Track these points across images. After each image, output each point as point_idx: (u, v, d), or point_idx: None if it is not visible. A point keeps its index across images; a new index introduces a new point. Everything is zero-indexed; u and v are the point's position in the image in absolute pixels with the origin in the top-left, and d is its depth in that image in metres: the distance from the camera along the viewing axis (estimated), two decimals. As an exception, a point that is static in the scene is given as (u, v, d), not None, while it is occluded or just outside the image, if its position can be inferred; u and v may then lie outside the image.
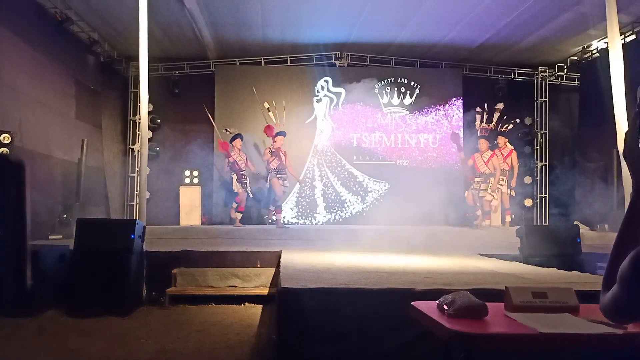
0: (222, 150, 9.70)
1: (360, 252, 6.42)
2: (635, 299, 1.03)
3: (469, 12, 9.20)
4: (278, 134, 9.56)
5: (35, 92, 8.13)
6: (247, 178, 9.63)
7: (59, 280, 5.43)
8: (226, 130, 10.20)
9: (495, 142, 9.90)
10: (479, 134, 10.11)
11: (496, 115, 10.33)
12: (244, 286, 5.92)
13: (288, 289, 3.31)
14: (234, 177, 9.47)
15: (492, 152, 9.57)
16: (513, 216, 10.27)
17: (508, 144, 9.93)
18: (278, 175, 9.32)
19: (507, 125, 10.35)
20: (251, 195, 9.75)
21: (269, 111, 10.43)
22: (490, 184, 9.40)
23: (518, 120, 10.65)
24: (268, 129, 9.96)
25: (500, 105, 10.41)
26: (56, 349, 4.10)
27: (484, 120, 10.20)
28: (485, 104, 10.52)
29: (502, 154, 9.74)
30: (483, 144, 9.65)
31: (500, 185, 9.57)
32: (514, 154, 9.83)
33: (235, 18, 9.58)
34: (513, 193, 9.88)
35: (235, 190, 9.49)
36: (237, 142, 9.64)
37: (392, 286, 3.46)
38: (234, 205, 9.62)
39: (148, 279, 5.86)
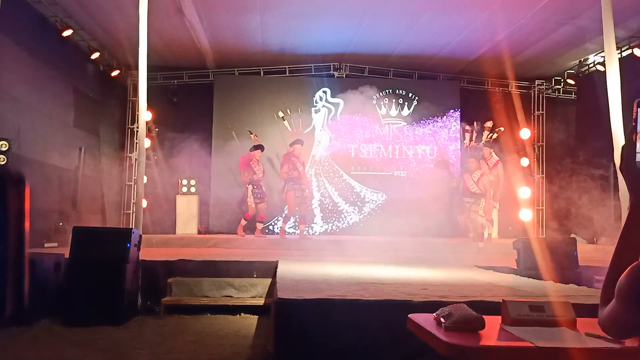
0: (243, 167, 9.57)
1: (357, 262, 6.40)
2: (633, 314, 1.03)
3: (467, 25, 9.27)
4: (295, 142, 9.49)
5: (34, 100, 8.14)
6: (264, 189, 9.62)
7: (54, 289, 5.40)
8: (250, 132, 10.20)
9: (481, 153, 9.64)
10: (469, 153, 9.96)
11: (485, 133, 10.14)
12: (239, 296, 5.89)
13: (284, 300, 3.29)
14: (250, 188, 9.33)
15: (482, 172, 9.19)
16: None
17: (494, 154, 9.63)
18: (295, 186, 9.16)
19: (490, 135, 10.09)
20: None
21: (284, 120, 10.46)
22: (481, 205, 9.03)
23: (502, 129, 10.32)
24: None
25: (489, 124, 10.21)
26: (51, 359, 4.07)
27: (473, 138, 10.01)
28: (475, 122, 10.48)
29: (487, 164, 9.42)
30: (472, 163, 9.29)
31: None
32: (500, 165, 9.53)
33: (234, 28, 9.63)
34: (497, 205, 9.64)
35: (249, 203, 9.36)
36: (257, 153, 9.54)
37: (389, 298, 3.45)
38: (243, 222, 9.52)
39: (143, 288, 5.83)
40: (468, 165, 9.37)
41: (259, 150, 9.58)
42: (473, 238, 9.11)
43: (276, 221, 10.94)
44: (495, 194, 9.28)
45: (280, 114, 10.60)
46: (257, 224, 9.54)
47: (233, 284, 5.94)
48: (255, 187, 9.40)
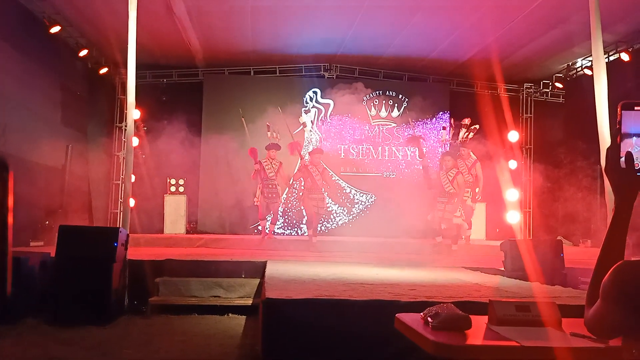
0: (251, 154, 9.18)
1: (345, 263, 6.41)
2: (617, 314, 1.04)
3: (457, 28, 9.33)
4: (315, 151, 9.20)
5: (21, 97, 8.06)
6: (278, 187, 9.18)
7: (40, 288, 5.34)
8: (268, 128, 9.48)
9: (459, 153, 9.19)
10: (443, 150, 9.54)
11: (463, 130, 9.70)
12: (227, 296, 5.87)
13: (273, 300, 3.29)
14: (259, 188, 9.03)
15: (457, 171, 8.71)
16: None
17: (472, 154, 9.21)
18: (311, 196, 8.84)
19: (467, 133, 9.52)
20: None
21: (268, 131, 9.47)
22: (454, 205, 8.58)
23: (478, 126, 9.72)
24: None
25: (467, 121, 9.70)
26: (36, 358, 4.02)
27: (449, 135, 9.56)
28: (452, 119, 10.35)
29: (466, 165, 8.99)
30: (448, 160, 8.75)
31: (465, 197, 8.83)
32: (479, 164, 9.10)
33: (225, 27, 9.60)
34: (475, 207, 9.26)
35: (256, 203, 9.10)
36: (272, 152, 9.09)
37: (377, 298, 3.46)
38: (263, 224, 9.23)
39: (130, 288, 5.79)
40: (444, 163, 8.85)
41: (274, 150, 9.11)
42: (441, 241, 8.73)
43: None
44: (474, 195, 8.92)
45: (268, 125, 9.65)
46: (270, 225, 9.22)
47: (221, 284, 5.91)
48: (266, 186, 8.98)
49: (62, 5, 8.70)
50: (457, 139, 9.57)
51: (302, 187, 9.10)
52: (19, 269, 5.16)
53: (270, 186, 9.00)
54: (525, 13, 8.51)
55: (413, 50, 10.51)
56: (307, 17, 9.16)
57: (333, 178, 11.27)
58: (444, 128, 9.84)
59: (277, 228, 10.94)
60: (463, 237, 8.96)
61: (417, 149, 9.43)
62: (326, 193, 9.23)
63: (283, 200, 10.59)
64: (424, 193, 10.34)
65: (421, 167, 9.45)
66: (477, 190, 9.14)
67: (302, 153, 9.82)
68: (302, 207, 9.24)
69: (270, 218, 9.27)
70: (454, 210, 8.53)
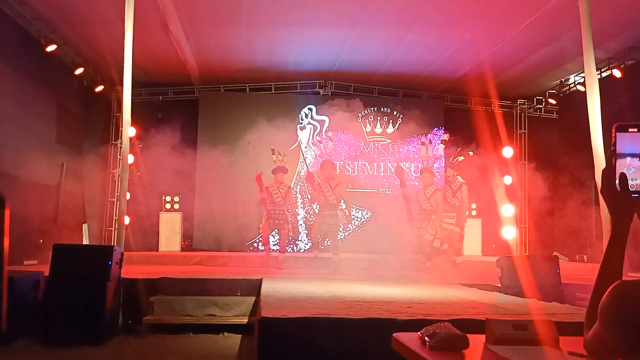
0: (257, 182, 8.66)
1: (341, 280, 6.37)
2: (615, 335, 1.03)
3: (451, 45, 9.42)
4: (324, 163, 8.75)
5: (16, 114, 8.05)
6: (287, 212, 8.56)
7: (33, 308, 5.29)
8: (273, 152, 8.90)
9: (443, 174, 8.91)
10: (420, 166, 9.23)
11: (441, 146, 9.50)
12: (223, 315, 5.81)
13: (268, 319, 3.26)
14: (264, 214, 8.58)
15: (435, 188, 8.42)
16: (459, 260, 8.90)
17: (458, 177, 8.82)
18: (325, 212, 8.42)
19: (456, 158, 9.20)
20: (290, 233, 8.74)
21: (273, 154, 8.91)
22: (430, 222, 8.17)
23: (472, 153, 9.41)
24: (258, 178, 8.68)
25: (446, 136, 9.60)
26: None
27: (427, 151, 9.27)
28: (430, 134, 10.30)
29: (451, 188, 8.66)
30: (427, 177, 8.43)
31: (448, 223, 8.47)
32: (464, 187, 8.66)
33: (220, 44, 9.66)
34: (463, 233, 8.86)
35: (260, 232, 8.74)
36: (279, 175, 8.60)
37: (374, 316, 3.44)
38: (267, 248, 8.88)
39: (125, 307, 5.73)
40: (422, 179, 8.56)
41: (281, 173, 8.62)
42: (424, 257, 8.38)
43: (261, 238, 10.89)
44: (459, 219, 8.57)
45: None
46: (279, 253, 8.61)
47: (216, 303, 5.86)
48: (273, 212, 8.45)
49: (59, 24, 8.74)
50: (437, 153, 9.40)
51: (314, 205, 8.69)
52: (12, 288, 5.11)
53: (277, 212, 8.46)
54: (518, 30, 8.61)
55: (407, 67, 10.59)
56: (303, 34, 9.23)
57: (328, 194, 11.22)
58: (422, 144, 9.51)
59: (273, 244, 10.89)
60: (454, 257, 8.59)
61: (399, 180, 8.98)
62: (342, 207, 8.52)
63: (293, 226, 9.70)
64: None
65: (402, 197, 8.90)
66: (465, 213, 8.80)
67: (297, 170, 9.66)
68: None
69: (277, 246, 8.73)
70: (429, 228, 8.14)
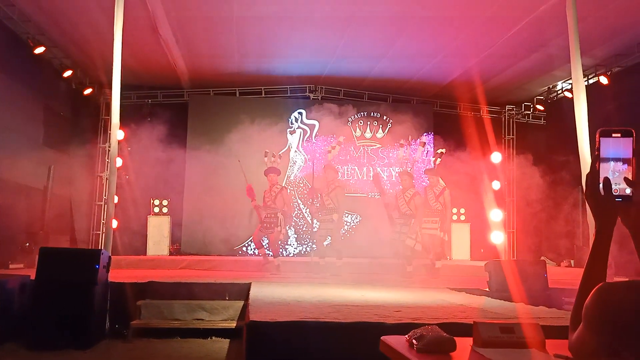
0: (248, 194, 8.43)
1: (330, 284, 6.37)
2: (599, 337, 1.04)
3: (440, 51, 9.49)
4: (327, 167, 8.58)
5: (3, 117, 7.98)
6: (279, 215, 8.20)
7: (19, 312, 5.23)
8: (265, 154, 8.75)
9: (429, 179, 8.64)
10: (398, 169, 9.06)
11: (420, 149, 9.35)
12: (211, 319, 5.78)
13: (257, 323, 3.25)
14: (258, 221, 8.32)
15: (414, 191, 8.27)
16: (445, 260, 8.88)
17: (441, 181, 8.57)
18: (322, 216, 8.35)
19: (435, 159, 8.85)
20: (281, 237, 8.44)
21: (265, 156, 8.78)
22: (410, 227, 8.03)
23: (444, 150, 9.12)
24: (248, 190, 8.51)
25: (424, 138, 9.44)
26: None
27: (407, 153, 9.09)
28: (409, 136, 10.20)
29: (434, 192, 8.39)
30: (405, 180, 8.27)
31: (431, 228, 8.26)
32: (447, 192, 8.43)
33: (210, 48, 9.65)
34: (446, 237, 8.64)
35: (254, 239, 8.48)
36: (272, 176, 8.29)
37: (363, 320, 3.44)
38: (263, 252, 8.58)
39: (112, 311, 5.68)
40: (401, 182, 8.38)
41: (274, 174, 8.33)
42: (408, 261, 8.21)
43: (250, 242, 10.86)
44: (442, 224, 8.34)
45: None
46: (271, 258, 8.33)
47: (204, 307, 5.83)
48: (265, 217, 8.22)
49: (47, 27, 8.69)
50: (415, 155, 9.26)
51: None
52: (-3, 292, 5.06)
53: (268, 216, 8.22)
54: (506, 37, 8.70)
55: (397, 72, 10.65)
56: (293, 39, 9.25)
57: (318, 198, 11.20)
58: (401, 145, 9.26)
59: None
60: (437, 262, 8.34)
61: (378, 189, 8.87)
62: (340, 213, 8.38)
63: (288, 228, 9.69)
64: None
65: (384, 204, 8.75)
66: (449, 217, 8.56)
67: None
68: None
69: (269, 251, 8.54)
70: (409, 232, 8.03)
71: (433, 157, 8.84)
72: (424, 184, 9.61)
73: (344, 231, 11.20)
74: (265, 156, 8.71)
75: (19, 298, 5.32)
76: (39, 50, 8.72)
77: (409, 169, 8.66)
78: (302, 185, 11.37)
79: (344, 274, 7.95)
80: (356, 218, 11.35)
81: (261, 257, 8.53)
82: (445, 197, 8.37)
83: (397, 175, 10.90)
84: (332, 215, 8.26)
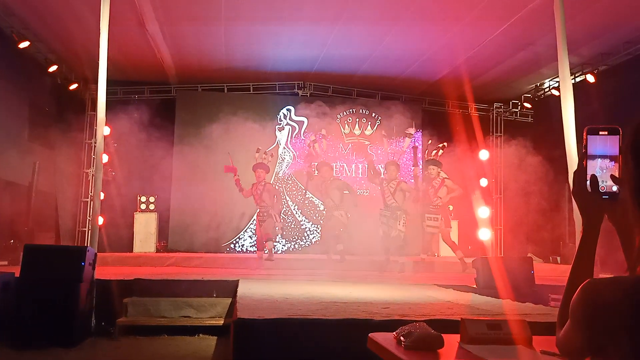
0: (227, 170, 8.70)
1: (318, 281, 6.36)
2: (585, 334, 1.04)
3: (428, 48, 9.50)
4: (321, 165, 8.71)
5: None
6: (270, 210, 8.45)
7: (3, 310, 5.16)
8: (257, 151, 8.92)
9: (427, 172, 8.64)
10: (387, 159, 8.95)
11: (407, 140, 9.26)
12: (198, 317, 5.75)
13: (244, 320, 3.23)
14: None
15: (398, 182, 8.17)
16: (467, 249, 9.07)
17: (442, 173, 8.47)
18: (328, 214, 8.57)
19: (436, 152, 8.80)
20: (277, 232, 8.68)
21: (257, 152, 8.92)
22: (398, 219, 7.98)
23: (446, 144, 9.16)
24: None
25: (411, 130, 9.33)
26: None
27: (392, 146, 9.13)
28: (394, 127, 10.18)
29: (433, 186, 8.37)
30: (391, 171, 8.20)
31: (432, 226, 8.34)
32: (449, 182, 8.45)
33: (198, 43, 9.58)
34: (450, 227, 8.68)
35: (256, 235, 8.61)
36: (259, 172, 8.50)
37: (350, 317, 3.43)
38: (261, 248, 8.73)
39: (98, 308, 5.63)
40: (387, 172, 8.33)
41: (261, 170, 8.51)
42: (425, 258, 8.48)
43: (238, 239, 10.83)
44: (446, 217, 8.44)
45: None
46: (266, 242, 8.51)
47: (192, 304, 5.79)
48: (260, 210, 8.52)
49: (31, 21, 8.56)
50: (402, 147, 9.34)
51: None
52: (-20, 290, 4.99)
53: (261, 213, 8.52)
54: (494, 35, 8.73)
55: (386, 69, 10.65)
56: (281, 35, 9.21)
57: (307, 195, 11.17)
58: (384, 136, 9.52)
59: (250, 245, 10.83)
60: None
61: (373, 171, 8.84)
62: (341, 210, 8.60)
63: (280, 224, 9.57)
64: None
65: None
66: (446, 210, 8.62)
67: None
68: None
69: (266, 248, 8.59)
70: (395, 224, 8.01)
71: (435, 150, 8.86)
72: (412, 180, 9.67)
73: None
74: (257, 152, 8.80)
75: (2, 296, 5.25)
76: (24, 44, 8.60)
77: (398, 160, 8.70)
78: (290, 182, 11.34)
79: (335, 270, 7.96)
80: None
81: (255, 256, 8.59)
82: (449, 186, 8.32)
83: (385, 171, 10.89)
84: (332, 213, 8.47)
